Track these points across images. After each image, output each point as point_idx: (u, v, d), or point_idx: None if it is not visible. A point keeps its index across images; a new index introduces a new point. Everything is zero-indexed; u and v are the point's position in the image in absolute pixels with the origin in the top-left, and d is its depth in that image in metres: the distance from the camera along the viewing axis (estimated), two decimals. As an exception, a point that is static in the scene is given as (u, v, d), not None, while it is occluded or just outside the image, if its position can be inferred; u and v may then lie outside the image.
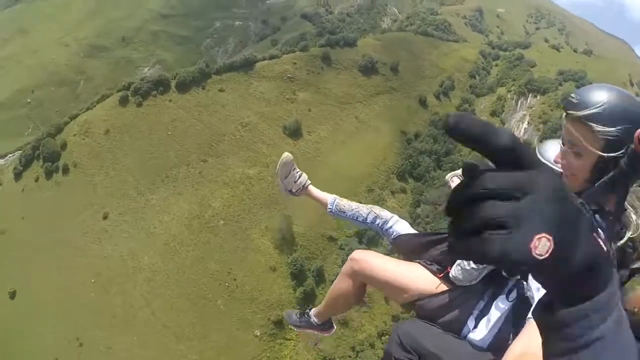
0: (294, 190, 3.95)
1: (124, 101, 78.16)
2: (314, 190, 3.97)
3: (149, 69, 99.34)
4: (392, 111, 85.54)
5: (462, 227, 0.51)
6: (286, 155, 3.93)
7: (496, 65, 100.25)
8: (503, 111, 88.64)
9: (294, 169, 3.93)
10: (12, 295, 70.47)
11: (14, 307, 69.93)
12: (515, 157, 0.51)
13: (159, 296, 66.42)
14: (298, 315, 4.09)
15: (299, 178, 3.92)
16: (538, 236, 0.51)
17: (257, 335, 62.61)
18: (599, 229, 1.72)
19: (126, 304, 66.75)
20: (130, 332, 65.08)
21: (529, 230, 0.54)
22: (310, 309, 4.04)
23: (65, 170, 75.21)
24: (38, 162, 76.67)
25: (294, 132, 76.98)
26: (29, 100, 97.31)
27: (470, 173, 0.52)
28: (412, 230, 3.47)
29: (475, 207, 0.50)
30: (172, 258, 67.83)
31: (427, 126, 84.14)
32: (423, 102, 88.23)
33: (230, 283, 65.89)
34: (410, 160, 78.05)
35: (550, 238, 0.55)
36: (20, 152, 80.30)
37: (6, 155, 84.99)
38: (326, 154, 75.49)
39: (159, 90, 77.97)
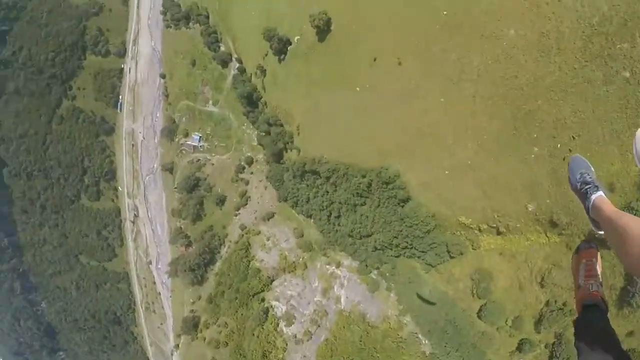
0: None
1: None
2: None
3: None
4: None
5: None
6: None
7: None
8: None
9: None
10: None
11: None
12: None
13: (492, 82, 53.83)
14: (581, 180, 4.97)
15: None
16: None
17: (527, 209, 54.64)
18: None
19: (461, 59, 56.97)
20: (441, 86, 58.82)
21: None
22: (595, 192, 4.74)
23: None
24: None
25: None
26: None
27: None
28: None
29: None
30: (542, 60, 49.31)
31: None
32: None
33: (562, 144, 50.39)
34: None
35: None
36: None
37: None
38: None
39: None
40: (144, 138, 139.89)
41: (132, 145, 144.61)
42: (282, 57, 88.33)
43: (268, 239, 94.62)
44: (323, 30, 75.83)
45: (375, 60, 68.00)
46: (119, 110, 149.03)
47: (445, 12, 58.42)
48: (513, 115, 53.17)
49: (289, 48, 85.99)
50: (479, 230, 61.87)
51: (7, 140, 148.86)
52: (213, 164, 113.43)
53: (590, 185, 4.93)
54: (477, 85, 55.89)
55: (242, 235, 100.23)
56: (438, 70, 59.80)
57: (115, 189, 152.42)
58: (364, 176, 69.90)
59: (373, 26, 67.75)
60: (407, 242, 67.98)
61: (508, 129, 53.78)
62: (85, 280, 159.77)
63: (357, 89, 70.53)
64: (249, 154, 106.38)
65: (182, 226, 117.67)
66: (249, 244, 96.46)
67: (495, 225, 59.95)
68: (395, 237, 69.34)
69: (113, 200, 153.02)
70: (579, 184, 5.06)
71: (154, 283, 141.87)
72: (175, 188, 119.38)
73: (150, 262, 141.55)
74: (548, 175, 51.95)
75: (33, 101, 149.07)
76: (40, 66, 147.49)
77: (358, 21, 70.59)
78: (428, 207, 62.90)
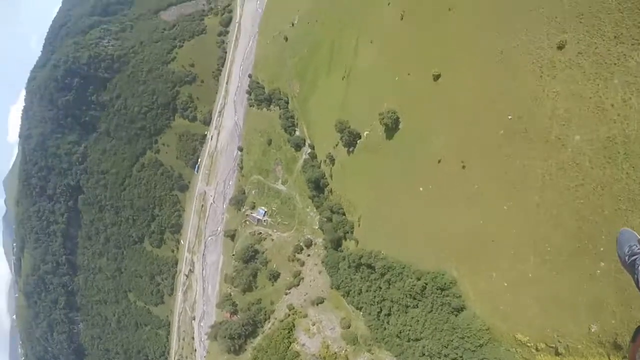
0: None
1: None
2: None
3: None
4: None
5: None
6: None
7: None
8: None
9: None
10: (436, 77, 73.37)
11: (436, 89, 73.35)
12: None
13: (557, 190, 52.89)
14: (629, 253, 4.32)
15: None
16: None
17: (590, 329, 49.77)
18: None
19: (525, 165, 57.16)
20: (505, 192, 58.61)
21: None
22: None
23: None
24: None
25: None
26: None
27: None
28: None
29: None
30: (609, 167, 48.47)
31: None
32: None
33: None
34: None
35: None
36: None
37: None
38: None
39: None
40: (214, 202, 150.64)
41: (202, 205, 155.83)
42: (351, 149, 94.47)
43: (314, 324, 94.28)
44: (391, 128, 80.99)
45: (439, 162, 70.26)
46: (195, 172, 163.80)
47: (509, 117, 59.26)
48: (578, 226, 50.69)
49: (358, 141, 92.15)
50: (536, 349, 57.26)
51: (89, 172, 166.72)
52: (273, 240, 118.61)
53: (638, 256, 4.63)
54: (542, 193, 54.76)
55: (289, 315, 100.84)
56: (502, 176, 59.97)
57: (178, 242, 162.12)
58: (419, 278, 69.43)
59: (439, 128, 70.84)
60: (457, 354, 64.22)
61: (573, 241, 51.23)
62: (127, 316, 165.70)
63: (421, 188, 72.65)
64: (308, 236, 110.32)
65: (232, 293, 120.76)
66: (294, 325, 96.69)
67: (554, 345, 55.34)
68: (445, 346, 66.14)
69: (173, 251, 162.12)
70: (627, 256, 4.74)
71: (193, 339, 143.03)
72: (233, 255, 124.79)
73: (194, 318, 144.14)
74: (614, 294, 47.70)
75: (120, 145, 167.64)
76: (132, 116, 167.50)
77: (425, 122, 74.40)
78: (483, 320, 60.10)
